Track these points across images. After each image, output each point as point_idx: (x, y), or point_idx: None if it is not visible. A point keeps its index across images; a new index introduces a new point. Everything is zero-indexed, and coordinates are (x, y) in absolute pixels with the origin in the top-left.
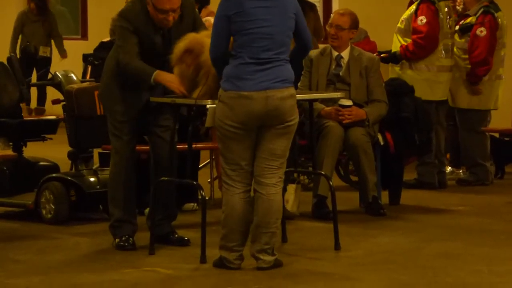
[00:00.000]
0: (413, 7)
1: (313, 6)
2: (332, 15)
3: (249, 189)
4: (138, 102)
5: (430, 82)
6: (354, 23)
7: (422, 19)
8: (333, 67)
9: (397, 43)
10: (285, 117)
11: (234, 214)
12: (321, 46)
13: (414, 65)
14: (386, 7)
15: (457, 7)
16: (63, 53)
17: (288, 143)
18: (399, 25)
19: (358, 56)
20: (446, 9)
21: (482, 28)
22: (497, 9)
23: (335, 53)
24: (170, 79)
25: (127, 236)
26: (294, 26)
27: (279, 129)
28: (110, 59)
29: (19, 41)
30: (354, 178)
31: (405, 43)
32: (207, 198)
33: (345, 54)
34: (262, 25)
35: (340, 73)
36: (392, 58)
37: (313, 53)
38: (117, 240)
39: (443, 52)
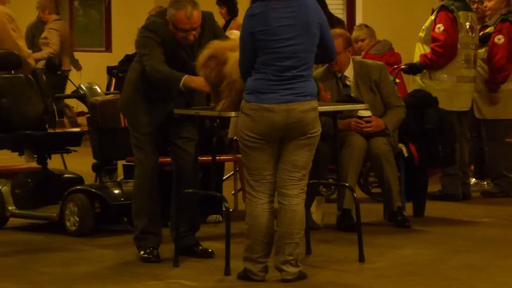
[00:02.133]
0: (433, 16)
1: (341, 22)
2: None
3: (272, 200)
4: (161, 113)
5: (449, 93)
6: (348, 42)
7: (439, 27)
8: (341, 87)
9: (418, 53)
10: (307, 129)
11: (258, 224)
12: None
13: (434, 74)
14: (411, 18)
15: (487, 20)
16: (76, 65)
17: (310, 155)
18: (420, 34)
19: (362, 70)
20: (467, 20)
21: (500, 36)
22: None
23: (339, 74)
24: (200, 82)
25: (151, 248)
26: (318, 39)
27: (301, 141)
28: (132, 72)
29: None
30: (374, 190)
31: (425, 52)
32: (231, 210)
33: (349, 72)
34: (286, 44)
35: (351, 94)
36: (412, 68)
37: (315, 74)
38: (141, 252)
39: (464, 62)
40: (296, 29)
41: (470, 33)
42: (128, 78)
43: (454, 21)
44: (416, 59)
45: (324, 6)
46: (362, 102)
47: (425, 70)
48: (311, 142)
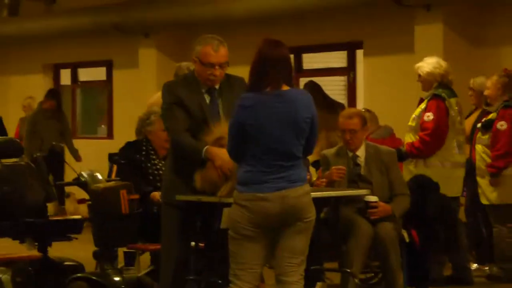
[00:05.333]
0: (423, 104)
1: (343, 106)
2: (340, 120)
3: None
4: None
5: (444, 179)
6: (364, 121)
7: (429, 115)
8: (352, 166)
9: (409, 141)
10: (303, 214)
11: None
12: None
13: (428, 162)
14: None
15: (484, 107)
16: (76, 155)
17: (307, 240)
18: (410, 123)
19: (374, 152)
20: (457, 106)
21: (503, 122)
22: None
23: (351, 153)
24: (221, 154)
25: None
26: (307, 133)
27: (297, 227)
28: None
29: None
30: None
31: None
32: None
33: (361, 152)
34: (274, 140)
35: (362, 173)
36: (397, 155)
37: (328, 153)
38: None
39: (457, 148)
40: (286, 125)
41: (459, 119)
42: (166, 162)
43: (445, 109)
44: None
45: (319, 91)
46: (371, 182)
47: (419, 159)
48: (307, 227)
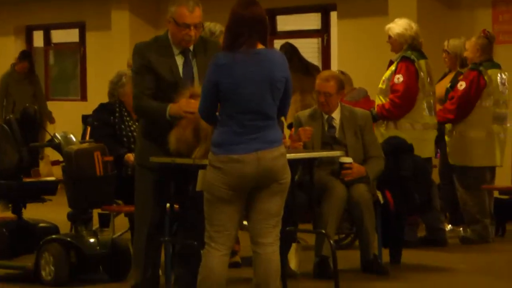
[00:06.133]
0: (393, 67)
1: (317, 69)
2: (317, 81)
3: (229, 253)
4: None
5: (416, 141)
6: (341, 85)
7: (399, 78)
8: (326, 129)
9: (379, 103)
10: (278, 176)
11: (212, 276)
12: None
13: (399, 124)
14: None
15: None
16: (49, 117)
17: (282, 202)
18: (380, 85)
19: (350, 115)
20: (427, 68)
21: (462, 82)
22: (492, 67)
23: (326, 115)
24: (183, 106)
25: None
26: (281, 94)
27: (272, 189)
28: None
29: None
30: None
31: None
32: None
33: (336, 114)
34: (249, 99)
35: (336, 135)
36: None
37: (302, 115)
38: None
39: (427, 110)
40: (261, 85)
41: (429, 81)
42: (138, 125)
43: (415, 72)
44: None
45: (295, 53)
46: (345, 145)
47: (389, 121)
48: (282, 188)
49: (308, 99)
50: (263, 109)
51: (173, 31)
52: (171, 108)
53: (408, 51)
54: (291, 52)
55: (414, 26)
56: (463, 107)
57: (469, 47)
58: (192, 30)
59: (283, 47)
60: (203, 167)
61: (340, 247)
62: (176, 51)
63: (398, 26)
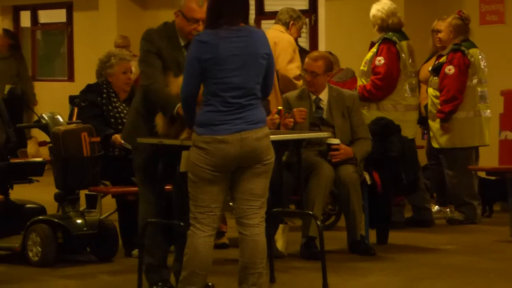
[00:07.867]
0: (374, 48)
1: (305, 51)
2: (306, 60)
3: (214, 234)
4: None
5: (398, 122)
6: (329, 66)
7: (380, 60)
8: (314, 109)
9: (361, 85)
10: (262, 157)
11: (197, 257)
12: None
13: (381, 105)
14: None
15: (437, 44)
16: (33, 98)
17: (266, 182)
18: (361, 67)
19: (337, 96)
20: (408, 49)
21: (451, 67)
22: (471, 46)
23: (313, 96)
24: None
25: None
26: (264, 70)
27: (257, 169)
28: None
29: None
30: None
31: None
32: None
33: (324, 95)
34: (233, 75)
35: (324, 116)
36: None
37: (290, 95)
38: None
39: (409, 91)
40: (244, 60)
41: (411, 62)
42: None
43: (396, 53)
44: None
45: None
46: (333, 126)
47: (371, 103)
48: (266, 169)
49: None
50: (247, 85)
51: (180, 25)
52: (180, 108)
53: (389, 32)
54: None
55: (387, 7)
56: (461, 92)
57: (443, 28)
58: (200, 25)
59: None
60: (188, 148)
61: (323, 227)
62: (182, 43)
63: (374, 7)
